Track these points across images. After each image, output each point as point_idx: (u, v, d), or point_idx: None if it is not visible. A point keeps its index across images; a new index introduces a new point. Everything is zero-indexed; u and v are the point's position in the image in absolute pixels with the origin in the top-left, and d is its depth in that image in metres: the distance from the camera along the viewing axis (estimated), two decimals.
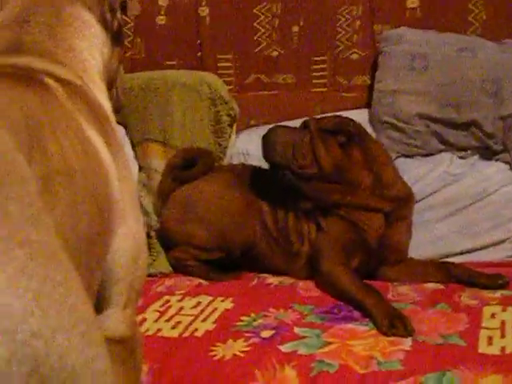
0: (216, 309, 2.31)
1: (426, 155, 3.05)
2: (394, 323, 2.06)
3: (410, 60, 3.05)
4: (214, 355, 2.00)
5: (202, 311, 2.30)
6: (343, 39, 3.28)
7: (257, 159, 2.88)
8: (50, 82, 1.25)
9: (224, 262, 2.73)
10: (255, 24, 3.32)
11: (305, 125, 2.71)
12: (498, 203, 2.88)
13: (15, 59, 1.31)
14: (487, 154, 2.99)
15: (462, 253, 2.83)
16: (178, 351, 2.05)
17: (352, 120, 2.74)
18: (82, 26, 1.45)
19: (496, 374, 1.80)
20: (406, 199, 2.69)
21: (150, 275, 2.49)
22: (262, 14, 3.30)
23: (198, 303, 2.37)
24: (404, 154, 3.05)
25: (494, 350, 1.93)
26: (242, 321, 2.20)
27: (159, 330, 2.17)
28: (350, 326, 2.13)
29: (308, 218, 2.66)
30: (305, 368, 1.90)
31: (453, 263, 2.62)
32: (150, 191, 3.01)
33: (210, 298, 2.40)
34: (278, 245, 2.71)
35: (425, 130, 3.01)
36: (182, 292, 2.49)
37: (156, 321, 2.23)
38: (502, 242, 2.84)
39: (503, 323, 2.11)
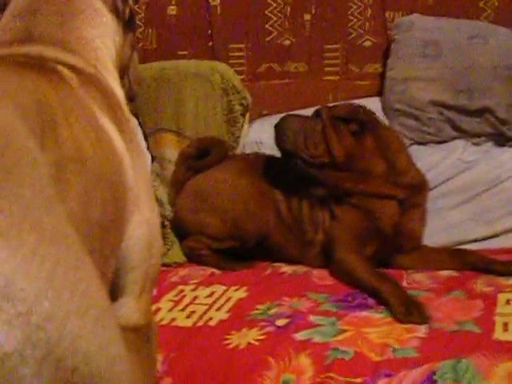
0: (230, 298, 2.31)
1: (440, 142, 3.04)
2: (409, 310, 2.05)
3: (422, 47, 3.04)
4: (229, 344, 2.00)
5: (216, 300, 2.30)
6: (355, 27, 3.27)
7: (270, 148, 2.88)
8: (63, 70, 1.25)
9: (238, 252, 2.73)
10: (267, 12, 3.31)
11: (317, 113, 2.70)
12: (511, 190, 2.87)
13: (27, 48, 1.32)
14: (501, 140, 2.98)
15: (476, 240, 2.82)
16: (193, 340, 2.05)
17: (364, 107, 2.73)
18: (94, 14, 1.44)
19: None
20: (419, 186, 2.67)
21: (164, 265, 2.49)
22: (274, 2, 3.29)
23: (212, 292, 2.37)
24: (417, 142, 3.05)
25: (509, 337, 1.92)
26: (256, 309, 2.20)
27: (174, 319, 2.18)
28: (364, 313, 2.12)
29: (322, 206, 2.66)
30: (319, 356, 1.90)
31: (467, 250, 2.61)
32: (163, 181, 3.02)
33: (224, 288, 2.41)
34: (291, 233, 2.71)
35: (438, 117, 3.00)
36: (195, 281, 2.49)
37: (170, 310, 2.24)
38: None
39: None
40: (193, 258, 2.77)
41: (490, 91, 2.93)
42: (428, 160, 2.95)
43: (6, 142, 0.78)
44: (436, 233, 2.79)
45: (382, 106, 3.12)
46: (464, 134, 3.01)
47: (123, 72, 1.59)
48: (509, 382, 1.73)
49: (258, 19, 3.33)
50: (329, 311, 2.15)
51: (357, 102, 2.88)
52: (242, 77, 3.26)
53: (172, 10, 3.38)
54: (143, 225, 1.29)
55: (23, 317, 0.68)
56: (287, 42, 3.32)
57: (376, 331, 2.00)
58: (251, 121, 3.22)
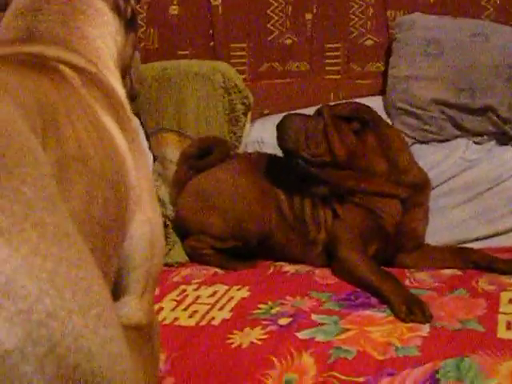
0: (232, 297, 2.31)
1: (442, 141, 3.05)
2: (412, 309, 2.05)
3: (423, 46, 3.04)
4: (232, 343, 2.00)
5: (219, 300, 2.29)
6: (357, 26, 3.27)
7: (272, 147, 2.88)
8: (65, 69, 1.25)
9: (240, 251, 2.73)
10: (268, 12, 3.31)
11: (318, 112, 2.70)
12: None
13: (29, 47, 1.32)
14: (503, 139, 2.98)
15: (478, 238, 2.82)
16: (195, 340, 2.04)
17: (366, 106, 2.74)
18: (95, 13, 1.44)
19: None
20: (422, 185, 2.67)
21: (166, 265, 2.49)
22: (275, 1, 3.30)
23: (215, 292, 2.37)
24: (419, 140, 3.05)
25: None
26: (259, 309, 2.19)
27: (176, 319, 2.17)
28: (367, 312, 2.12)
29: (324, 205, 2.66)
30: (322, 355, 1.89)
31: (470, 249, 2.61)
32: (165, 181, 3.02)
33: (227, 287, 2.40)
34: (294, 233, 2.71)
35: (440, 115, 3.00)
36: (198, 281, 2.49)
37: (173, 310, 2.23)
38: None
39: None
40: (195, 257, 2.77)
41: (492, 90, 2.93)
42: (430, 159, 2.95)
43: (8, 141, 0.78)
44: (438, 231, 2.79)
45: (384, 105, 3.12)
46: (466, 132, 3.01)
47: (125, 71, 1.59)
48: None
49: (259, 19, 3.33)
50: (331, 310, 2.15)
51: (358, 100, 2.89)
52: (243, 76, 3.27)
53: (174, 9, 3.39)
54: (145, 224, 1.29)
55: (24, 314, 0.68)
56: (289, 42, 3.32)
57: (379, 330, 1.99)
58: (253, 120, 3.23)
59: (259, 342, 1.98)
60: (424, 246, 2.67)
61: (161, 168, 3.06)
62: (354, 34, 3.28)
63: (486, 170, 2.92)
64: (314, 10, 3.28)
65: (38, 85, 1.07)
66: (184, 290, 2.40)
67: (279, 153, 2.76)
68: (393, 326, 2.01)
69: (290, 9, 3.30)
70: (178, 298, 2.32)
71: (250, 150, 3.12)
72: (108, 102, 1.30)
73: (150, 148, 3.13)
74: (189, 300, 2.31)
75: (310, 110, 2.78)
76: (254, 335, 2.02)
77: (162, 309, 2.22)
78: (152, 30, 3.41)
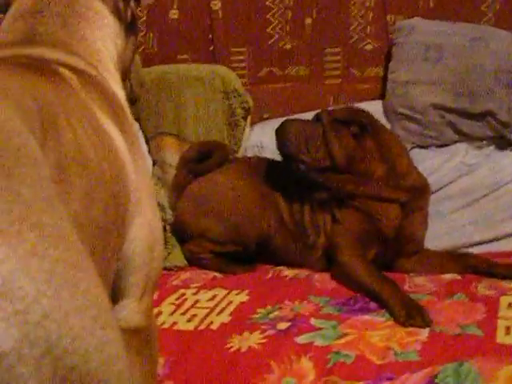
0: (231, 302, 2.31)
1: (441, 146, 3.05)
2: (411, 314, 2.05)
3: (423, 50, 3.05)
4: (230, 347, 2.00)
5: (218, 304, 2.29)
6: (356, 30, 3.27)
7: (271, 152, 2.88)
8: (65, 71, 1.25)
9: (239, 255, 2.73)
10: (268, 16, 3.31)
11: (317, 117, 2.71)
12: None
13: (29, 50, 1.32)
14: (503, 144, 2.98)
15: (478, 243, 2.82)
16: (194, 344, 2.04)
17: (364, 110, 2.74)
18: (95, 16, 1.44)
19: None
20: (421, 189, 2.67)
21: (165, 269, 2.48)
22: (275, 6, 3.30)
23: (214, 296, 2.36)
24: (419, 145, 3.05)
25: (511, 340, 1.91)
26: (257, 313, 2.19)
27: (175, 323, 2.17)
28: (366, 317, 2.12)
29: (323, 209, 2.65)
30: (321, 359, 1.89)
31: (469, 253, 2.61)
32: (164, 185, 3.01)
33: (226, 291, 2.40)
34: (293, 237, 2.71)
35: (439, 120, 3.00)
36: (197, 285, 2.48)
37: (172, 314, 2.23)
38: None
39: None
40: (194, 261, 2.76)
41: (491, 95, 2.93)
42: (430, 163, 2.95)
43: (6, 143, 0.78)
44: (438, 236, 2.79)
45: (384, 110, 3.13)
46: (466, 137, 3.01)
47: (125, 75, 1.59)
48: None
49: (259, 23, 3.33)
50: (330, 315, 2.14)
51: (358, 105, 2.89)
52: (243, 80, 3.27)
53: (174, 13, 3.39)
54: (145, 227, 1.29)
55: (21, 315, 0.67)
56: (288, 46, 3.33)
57: (378, 335, 1.99)
58: (252, 124, 3.23)
59: (258, 347, 1.98)
60: (423, 251, 2.66)
61: (160, 172, 3.06)
62: (354, 39, 3.28)
63: (485, 174, 2.92)
64: (314, 15, 3.29)
65: (38, 87, 1.07)
66: (183, 294, 2.39)
67: (279, 157, 2.76)
68: (392, 331, 2.01)
69: (290, 13, 3.30)
70: (177, 302, 2.32)
71: (249, 155, 3.12)
72: (108, 104, 1.30)
73: (149, 152, 3.13)
74: (188, 304, 2.31)
75: (310, 115, 2.78)
76: (253, 339, 2.02)
77: (160, 313, 2.22)
78: (152, 34, 3.41)
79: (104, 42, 1.46)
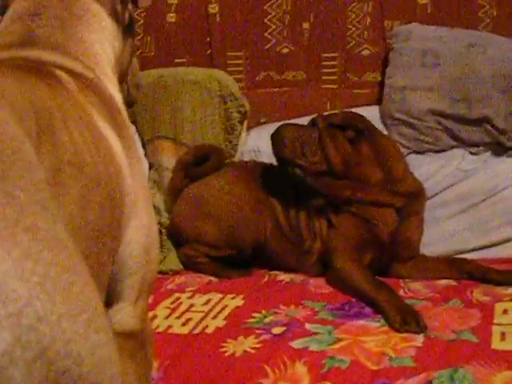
0: (226, 306, 2.30)
1: (438, 151, 3.05)
2: (406, 319, 2.05)
3: (420, 56, 3.05)
4: (225, 352, 2.00)
5: (213, 308, 2.29)
6: (354, 36, 3.27)
7: (267, 156, 2.88)
8: (62, 74, 1.25)
9: (235, 259, 2.73)
10: (265, 21, 3.32)
11: (313, 122, 2.71)
12: (510, 199, 2.87)
13: (26, 52, 1.31)
14: (499, 150, 2.98)
15: (474, 249, 2.82)
16: (189, 348, 2.04)
17: (360, 115, 2.74)
18: (93, 18, 1.44)
19: (509, 370, 1.78)
20: (417, 194, 2.67)
21: (160, 272, 2.49)
22: (273, 10, 3.30)
23: (209, 300, 2.36)
24: (415, 151, 3.05)
25: (506, 346, 1.91)
26: (252, 317, 2.19)
27: (170, 326, 2.17)
28: (361, 322, 2.12)
29: (319, 215, 2.65)
30: (316, 364, 1.89)
31: (464, 259, 2.61)
32: (160, 188, 3.01)
33: (221, 295, 2.40)
34: (289, 242, 2.71)
35: (436, 126, 3.01)
36: (192, 289, 2.48)
37: (167, 318, 2.23)
38: None
39: None
40: (189, 265, 2.76)
41: (488, 100, 2.93)
42: (426, 169, 2.95)
43: (1, 145, 0.78)
44: (433, 242, 2.79)
45: (381, 115, 3.13)
46: (462, 143, 3.01)
47: (122, 78, 1.59)
48: None
49: (256, 27, 3.33)
50: (325, 319, 2.14)
51: (355, 110, 2.89)
52: (240, 85, 3.27)
53: (171, 17, 3.39)
54: (141, 230, 1.29)
55: (14, 318, 0.67)
56: (286, 51, 3.33)
57: (373, 340, 1.99)
58: (249, 129, 3.23)
59: (253, 351, 1.98)
60: (419, 256, 2.66)
61: (156, 175, 3.06)
62: (351, 44, 3.28)
63: (481, 180, 2.91)
64: (311, 20, 3.29)
65: (34, 90, 1.07)
66: (178, 298, 2.39)
67: (275, 162, 2.76)
68: (387, 336, 2.01)
69: (288, 18, 3.30)
70: (172, 306, 2.32)
71: (246, 159, 3.12)
72: (105, 107, 1.30)
73: (145, 155, 3.12)
74: (183, 308, 2.31)
75: (307, 119, 2.77)
76: (248, 344, 2.02)
77: (155, 316, 2.22)
78: (149, 38, 3.42)
79: (102, 44, 1.45)
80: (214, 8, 3.35)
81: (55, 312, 0.71)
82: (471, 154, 3.00)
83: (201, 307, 2.31)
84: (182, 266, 2.77)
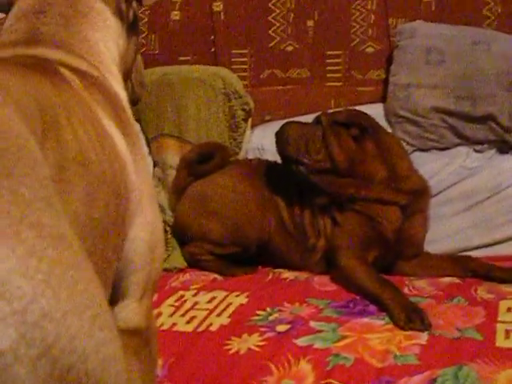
0: (231, 303, 2.30)
1: (442, 149, 3.05)
2: (410, 317, 2.05)
3: (425, 54, 3.04)
4: (229, 349, 2.00)
5: (217, 306, 2.29)
6: (358, 33, 3.27)
7: (272, 154, 2.88)
8: (66, 72, 1.25)
9: (239, 257, 2.73)
10: (270, 18, 3.31)
11: (317, 120, 2.71)
12: None
13: (31, 50, 1.32)
14: (504, 147, 2.98)
15: (478, 247, 2.82)
16: (193, 345, 2.04)
17: (364, 113, 2.74)
18: (97, 16, 1.44)
19: None
20: (421, 192, 2.67)
21: (164, 270, 2.47)
22: (277, 8, 3.30)
23: (213, 298, 2.36)
24: (420, 148, 3.05)
25: (511, 344, 1.91)
26: (257, 315, 2.19)
27: (174, 324, 2.17)
28: (366, 320, 2.11)
29: (323, 212, 2.65)
30: (320, 362, 1.89)
31: (469, 257, 2.61)
32: (165, 186, 3.01)
33: (225, 293, 2.40)
34: (293, 239, 2.71)
35: (441, 123, 3.00)
36: (196, 287, 2.48)
37: (171, 315, 2.23)
38: None
39: None
40: (194, 263, 2.76)
41: (492, 98, 2.93)
42: (430, 167, 2.95)
43: (6, 143, 0.78)
44: (438, 239, 2.79)
45: (385, 113, 3.12)
46: (467, 140, 3.01)
47: (127, 75, 1.59)
48: None
49: (260, 25, 3.33)
50: (330, 317, 2.14)
51: (359, 108, 2.89)
52: (244, 82, 3.27)
53: (175, 15, 3.39)
54: (146, 227, 1.29)
55: (18, 315, 0.67)
56: (290, 48, 3.32)
57: (377, 338, 1.99)
58: (253, 127, 3.23)
59: (257, 349, 1.98)
60: (423, 254, 2.66)
61: (161, 173, 3.06)
62: (356, 42, 3.28)
63: (486, 178, 2.91)
64: (316, 17, 3.29)
65: (39, 87, 1.07)
66: (182, 296, 2.39)
67: (279, 160, 2.76)
68: (391, 334, 2.01)
69: (292, 16, 3.30)
70: (177, 304, 2.32)
71: (250, 157, 3.12)
72: (110, 105, 1.30)
73: (150, 153, 3.12)
74: (187, 306, 2.31)
75: (311, 117, 2.77)
76: (252, 342, 2.02)
77: (160, 314, 2.22)
78: (153, 36, 3.42)
79: (106, 42, 1.45)
80: (218, 6, 3.35)
81: (60, 309, 0.71)
82: (476, 151, 3.00)
83: (205, 305, 2.31)
84: (186, 264, 2.77)
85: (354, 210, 2.60)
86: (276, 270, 2.66)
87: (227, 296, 2.37)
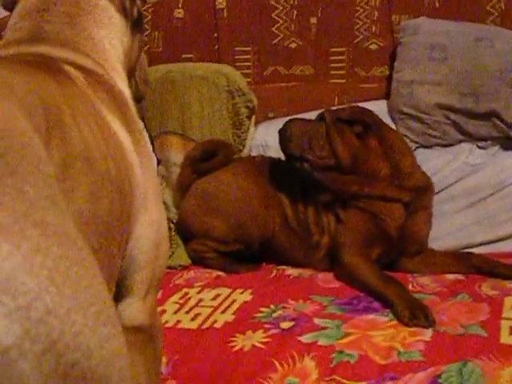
0: (235, 300, 2.31)
1: (446, 146, 3.04)
2: (415, 314, 2.05)
3: (428, 50, 3.04)
4: (233, 346, 2.00)
5: (221, 303, 2.29)
6: (361, 30, 3.27)
7: (275, 151, 2.88)
8: (71, 70, 1.25)
9: (243, 254, 2.73)
10: (273, 15, 3.31)
11: (321, 117, 2.71)
12: None
13: (35, 48, 1.32)
14: (507, 144, 2.98)
15: (481, 243, 2.82)
16: (197, 343, 2.04)
17: (367, 109, 2.74)
18: (102, 14, 1.44)
19: None
20: (425, 189, 2.67)
21: (169, 267, 2.49)
22: (280, 5, 3.29)
23: (217, 295, 2.37)
24: (423, 145, 3.05)
25: None
26: (261, 312, 2.19)
27: (179, 321, 2.17)
28: (370, 316, 2.12)
29: (327, 209, 2.65)
30: (324, 359, 1.89)
31: (472, 253, 2.61)
32: (168, 184, 3.02)
33: (229, 290, 2.40)
34: (297, 236, 2.71)
35: (444, 120, 3.00)
36: (201, 284, 2.49)
37: (175, 313, 2.24)
38: None
39: None
40: (198, 260, 2.76)
41: (496, 94, 2.92)
42: (434, 163, 2.95)
43: (11, 141, 0.78)
44: (441, 236, 2.79)
45: (388, 109, 3.12)
46: (470, 137, 3.01)
47: (131, 73, 1.59)
48: None
49: (264, 22, 3.33)
50: (334, 314, 2.14)
51: (363, 105, 2.89)
52: (248, 80, 3.27)
53: (179, 12, 3.39)
54: (151, 225, 1.30)
55: (23, 311, 0.67)
56: (293, 45, 3.32)
57: (381, 334, 1.99)
58: (257, 124, 3.23)
59: (261, 346, 1.98)
60: (427, 251, 2.66)
61: (164, 171, 3.06)
62: (359, 38, 3.27)
63: (489, 175, 2.91)
64: (319, 14, 3.28)
65: (44, 85, 1.07)
66: (186, 293, 2.40)
67: (283, 156, 2.76)
68: (395, 331, 2.01)
69: (295, 12, 3.30)
70: (181, 301, 2.33)
71: (254, 154, 3.12)
72: (114, 103, 1.30)
73: (153, 151, 3.12)
74: (191, 303, 2.31)
75: (314, 114, 2.77)
76: (256, 338, 2.02)
77: (164, 311, 2.23)
78: (157, 33, 3.41)
79: (111, 40, 1.46)
80: (221, 3, 3.35)
81: (64, 305, 0.71)
82: (479, 148, 3.00)
83: (209, 302, 2.31)
84: (190, 261, 2.77)
85: (358, 207, 2.60)
86: (280, 267, 2.66)
87: (231, 293, 2.38)
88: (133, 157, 1.25)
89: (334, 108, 2.84)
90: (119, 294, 1.27)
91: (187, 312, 2.24)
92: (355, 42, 3.28)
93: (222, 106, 3.10)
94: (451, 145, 3.04)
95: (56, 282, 0.71)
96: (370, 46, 3.28)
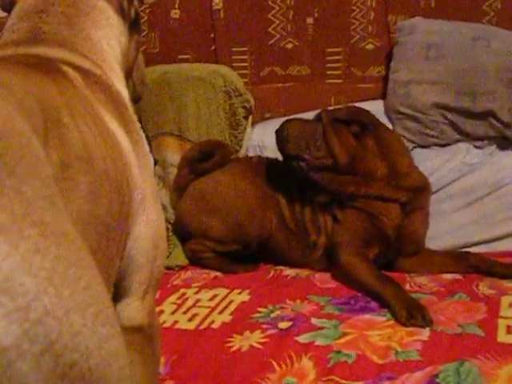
0: (232, 301, 2.31)
1: (443, 145, 3.05)
2: (412, 313, 2.05)
3: (424, 50, 3.04)
4: (231, 347, 2.00)
5: (219, 303, 2.30)
6: (358, 30, 3.27)
7: (272, 151, 2.88)
8: (69, 70, 1.25)
9: (240, 255, 2.73)
10: (269, 16, 3.31)
11: (318, 117, 2.71)
12: None
13: (34, 49, 1.32)
14: (504, 143, 2.98)
15: (478, 243, 2.82)
16: (195, 343, 2.04)
17: (364, 110, 2.74)
18: (99, 15, 1.45)
19: None
20: (422, 189, 2.67)
21: (166, 268, 2.48)
22: (277, 5, 3.30)
23: (215, 295, 2.37)
24: (420, 145, 3.05)
25: None
26: (259, 312, 2.19)
27: (176, 322, 2.17)
28: (367, 316, 2.12)
29: (324, 209, 2.66)
30: (322, 359, 1.89)
31: (470, 253, 2.61)
32: (166, 184, 3.02)
33: (227, 291, 2.40)
34: (294, 237, 2.71)
35: (441, 119, 3.00)
36: (198, 284, 2.49)
37: (173, 313, 2.24)
38: None
39: None
40: (195, 261, 2.77)
41: (493, 94, 2.92)
42: (431, 163, 2.95)
43: (9, 141, 0.78)
44: (439, 236, 2.79)
45: (385, 109, 3.13)
46: (467, 136, 3.01)
47: (128, 73, 1.60)
48: None
49: (260, 23, 3.33)
50: (331, 314, 2.15)
51: (359, 105, 2.89)
52: (244, 80, 3.27)
53: (175, 13, 3.39)
54: (149, 225, 1.30)
55: (22, 311, 0.67)
56: (290, 46, 3.32)
57: (379, 334, 1.99)
58: (254, 124, 3.23)
59: (259, 346, 1.98)
60: (424, 251, 2.67)
61: (161, 171, 3.06)
62: (355, 39, 3.28)
63: (486, 174, 2.91)
64: (315, 15, 3.29)
65: (42, 86, 1.07)
66: (184, 294, 2.40)
67: (280, 157, 2.76)
68: (393, 330, 2.01)
69: (291, 13, 3.30)
70: (178, 302, 2.33)
71: (251, 154, 3.12)
72: (112, 103, 1.30)
73: (150, 151, 3.12)
74: (189, 303, 2.31)
75: (311, 114, 2.78)
76: (254, 339, 2.02)
77: (162, 312, 2.23)
78: (153, 34, 3.42)
79: (108, 40, 1.46)
80: (218, 4, 3.35)
81: (63, 306, 0.71)
82: (476, 147, 3.00)
83: (207, 302, 2.31)
84: (187, 262, 2.78)
85: (355, 207, 2.60)
86: (277, 268, 2.67)
87: (229, 293, 2.38)
88: (131, 157, 1.25)
89: (331, 108, 2.84)
90: (118, 294, 1.27)
91: (185, 312, 2.24)
92: (351, 42, 3.29)
93: (218, 106, 3.10)
94: (448, 144, 3.04)
95: (54, 282, 0.71)
96: (367, 46, 3.28)
